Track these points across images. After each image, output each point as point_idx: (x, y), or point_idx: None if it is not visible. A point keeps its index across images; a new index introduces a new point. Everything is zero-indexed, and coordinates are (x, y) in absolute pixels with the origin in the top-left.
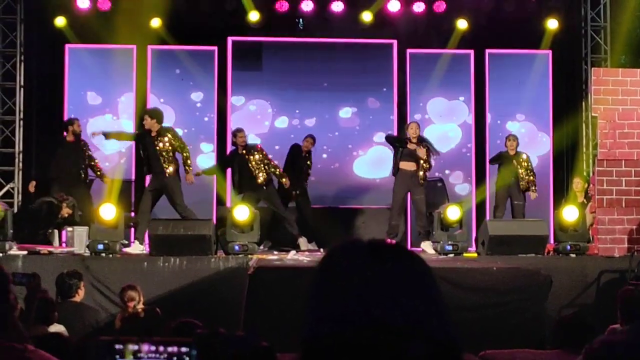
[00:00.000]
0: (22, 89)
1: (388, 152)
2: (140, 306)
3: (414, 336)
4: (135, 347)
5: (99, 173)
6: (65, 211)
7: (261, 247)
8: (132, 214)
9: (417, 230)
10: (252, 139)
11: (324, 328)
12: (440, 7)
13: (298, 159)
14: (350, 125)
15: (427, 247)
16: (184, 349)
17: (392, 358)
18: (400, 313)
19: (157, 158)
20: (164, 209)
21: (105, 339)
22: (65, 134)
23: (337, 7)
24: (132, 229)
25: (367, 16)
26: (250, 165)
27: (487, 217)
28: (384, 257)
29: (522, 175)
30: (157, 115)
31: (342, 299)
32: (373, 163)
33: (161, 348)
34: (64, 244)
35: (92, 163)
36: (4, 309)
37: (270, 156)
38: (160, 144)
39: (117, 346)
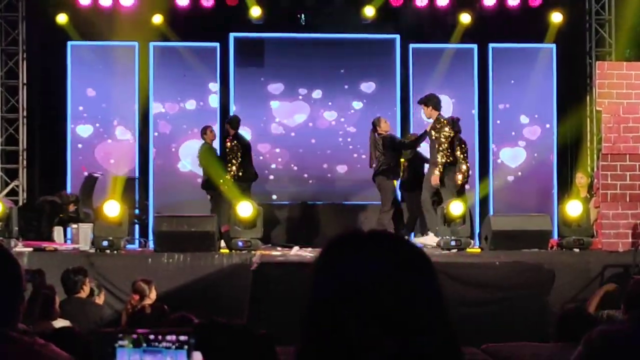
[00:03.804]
0: (24, 87)
1: None
2: (147, 302)
3: (413, 333)
4: (135, 336)
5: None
6: (71, 207)
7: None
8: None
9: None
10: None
11: (321, 345)
12: (443, 0)
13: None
14: (354, 121)
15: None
16: (182, 338)
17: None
18: (400, 309)
19: None
20: (169, 206)
21: (105, 331)
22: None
23: (339, 2)
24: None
25: (369, 11)
26: None
27: (491, 213)
28: (385, 249)
29: None
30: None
31: (341, 311)
32: None
33: (160, 337)
34: (69, 241)
35: None
36: (13, 299)
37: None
38: None
39: (118, 335)
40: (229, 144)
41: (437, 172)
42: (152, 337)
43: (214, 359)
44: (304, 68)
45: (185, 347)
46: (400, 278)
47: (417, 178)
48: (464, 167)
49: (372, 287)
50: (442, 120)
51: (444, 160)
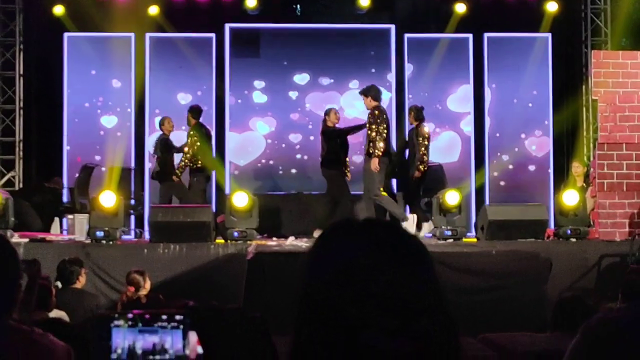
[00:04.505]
0: (21, 78)
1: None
2: (142, 292)
3: (409, 331)
4: (130, 316)
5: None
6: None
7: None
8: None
9: None
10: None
11: (316, 328)
12: None
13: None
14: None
15: None
16: (178, 317)
17: (385, 357)
18: (396, 309)
19: None
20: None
21: (101, 314)
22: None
23: None
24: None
25: (364, 1)
26: None
27: (487, 202)
28: (379, 235)
29: None
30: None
31: (336, 295)
32: None
33: (156, 317)
34: (65, 232)
35: None
36: (11, 288)
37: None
38: None
39: (113, 316)
40: (191, 133)
41: (375, 160)
42: (147, 317)
43: (209, 340)
44: (299, 58)
45: (181, 326)
46: (394, 261)
47: None
48: (425, 157)
49: (366, 269)
50: (381, 109)
51: (382, 150)
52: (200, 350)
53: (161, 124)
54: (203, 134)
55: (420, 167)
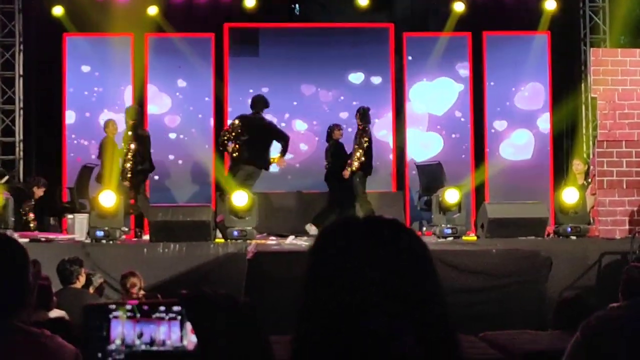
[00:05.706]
0: (21, 79)
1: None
2: (141, 292)
3: (408, 319)
4: (129, 307)
5: None
6: (37, 193)
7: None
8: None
9: None
10: None
11: (318, 316)
12: None
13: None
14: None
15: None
16: (176, 308)
17: (386, 342)
18: (395, 296)
19: None
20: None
21: (99, 303)
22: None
23: None
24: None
25: (363, 0)
26: None
27: (487, 200)
28: (380, 236)
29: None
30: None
31: (337, 283)
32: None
33: (154, 307)
34: (65, 231)
35: None
36: (20, 289)
37: None
38: None
39: (111, 307)
40: (130, 134)
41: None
42: (145, 307)
43: (201, 326)
44: (298, 57)
45: (179, 317)
46: (394, 253)
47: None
48: (358, 159)
49: (367, 260)
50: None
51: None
52: (194, 339)
53: (105, 126)
54: (147, 135)
55: (350, 168)
